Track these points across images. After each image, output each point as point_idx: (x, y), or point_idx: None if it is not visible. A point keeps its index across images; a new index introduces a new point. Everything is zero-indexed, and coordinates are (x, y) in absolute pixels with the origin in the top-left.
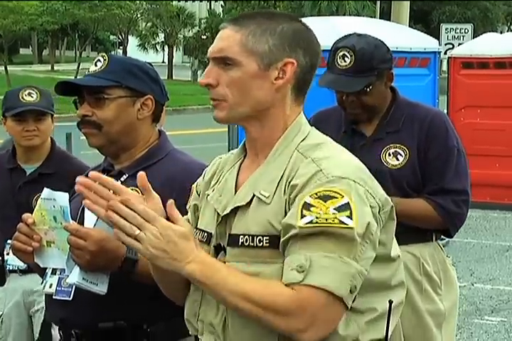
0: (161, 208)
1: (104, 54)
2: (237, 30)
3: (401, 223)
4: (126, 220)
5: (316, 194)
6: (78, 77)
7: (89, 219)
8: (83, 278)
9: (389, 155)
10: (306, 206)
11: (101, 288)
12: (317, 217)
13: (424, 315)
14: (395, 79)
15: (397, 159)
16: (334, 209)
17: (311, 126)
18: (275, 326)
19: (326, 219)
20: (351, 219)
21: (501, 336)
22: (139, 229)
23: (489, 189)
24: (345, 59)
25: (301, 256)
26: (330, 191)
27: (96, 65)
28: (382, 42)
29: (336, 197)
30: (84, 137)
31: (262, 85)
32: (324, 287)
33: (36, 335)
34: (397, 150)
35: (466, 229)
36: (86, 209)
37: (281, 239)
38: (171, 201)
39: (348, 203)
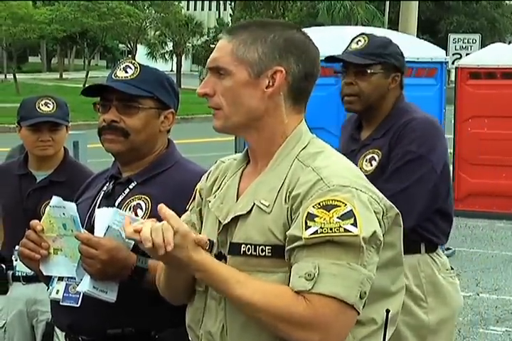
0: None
1: (132, 60)
2: (229, 40)
3: None
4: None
5: (319, 204)
6: (87, 85)
7: (100, 228)
8: (93, 287)
9: (366, 161)
10: (310, 216)
11: (110, 295)
12: (321, 227)
13: (399, 326)
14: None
15: (371, 165)
16: (338, 218)
17: (342, 126)
18: (290, 337)
19: (331, 229)
20: (356, 226)
21: None
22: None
23: (496, 199)
24: (359, 43)
25: (308, 264)
26: (333, 200)
27: (126, 72)
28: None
29: (339, 206)
30: (101, 142)
31: (253, 93)
32: (335, 295)
33: None
34: (374, 155)
35: (473, 238)
36: (96, 218)
37: (286, 248)
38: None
39: (352, 211)
